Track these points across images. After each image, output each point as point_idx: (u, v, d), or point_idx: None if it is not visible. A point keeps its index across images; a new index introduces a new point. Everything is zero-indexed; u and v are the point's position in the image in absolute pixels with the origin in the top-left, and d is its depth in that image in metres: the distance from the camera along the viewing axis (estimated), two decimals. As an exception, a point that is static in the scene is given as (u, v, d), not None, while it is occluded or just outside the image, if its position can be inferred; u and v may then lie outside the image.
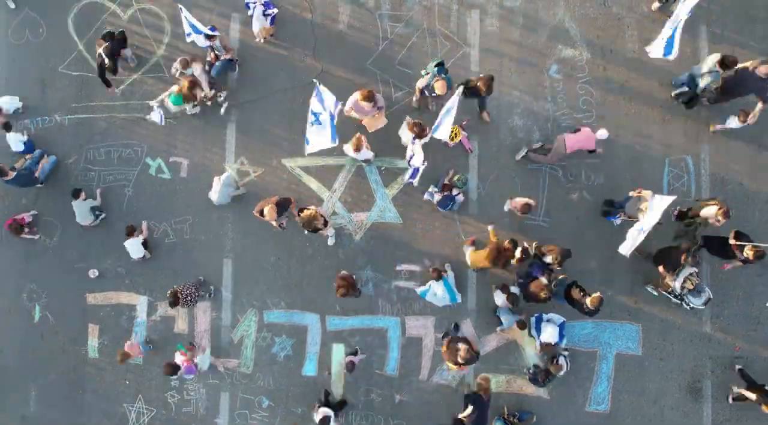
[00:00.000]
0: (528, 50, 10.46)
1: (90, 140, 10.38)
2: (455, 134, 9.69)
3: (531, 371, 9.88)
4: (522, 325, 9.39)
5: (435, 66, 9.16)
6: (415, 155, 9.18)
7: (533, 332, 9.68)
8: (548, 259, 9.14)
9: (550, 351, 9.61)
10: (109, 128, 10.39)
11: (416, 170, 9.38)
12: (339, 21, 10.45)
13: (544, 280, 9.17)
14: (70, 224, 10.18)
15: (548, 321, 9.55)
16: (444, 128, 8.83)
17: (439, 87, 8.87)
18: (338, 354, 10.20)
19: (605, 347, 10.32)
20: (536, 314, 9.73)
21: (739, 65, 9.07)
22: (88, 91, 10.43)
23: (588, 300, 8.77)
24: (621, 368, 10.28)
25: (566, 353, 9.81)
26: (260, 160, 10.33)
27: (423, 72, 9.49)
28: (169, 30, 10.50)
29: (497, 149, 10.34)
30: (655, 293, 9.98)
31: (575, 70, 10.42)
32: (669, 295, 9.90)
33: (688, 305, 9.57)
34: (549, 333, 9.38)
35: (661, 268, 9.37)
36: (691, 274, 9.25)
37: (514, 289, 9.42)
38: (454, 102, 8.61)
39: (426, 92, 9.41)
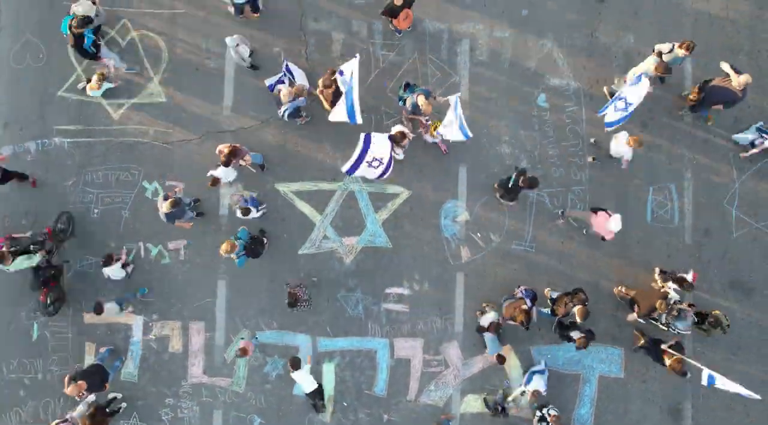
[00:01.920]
0: (516, 80, 10.72)
1: (88, 162, 10.64)
2: (435, 127, 9.87)
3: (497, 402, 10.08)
4: (501, 360, 9.69)
5: (404, 91, 9.52)
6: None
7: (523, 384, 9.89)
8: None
9: (537, 400, 9.66)
10: (107, 151, 10.64)
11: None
12: (332, 50, 10.70)
13: (527, 304, 9.40)
14: (67, 244, 10.47)
15: (536, 372, 9.85)
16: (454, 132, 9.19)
17: (422, 102, 9.11)
18: (329, 374, 10.48)
19: (588, 370, 10.59)
20: (529, 372, 10.01)
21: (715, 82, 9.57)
22: (87, 115, 10.68)
23: (576, 311, 9.12)
24: (604, 390, 10.55)
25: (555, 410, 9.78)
26: (255, 184, 10.58)
27: (400, 103, 9.75)
28: (166, 57, 10.74)
29: (486, 176, 10.60)
30: (642, 321, 10.19)
31: (562, 100, 10.67)
32: (655, 322, 10.15)
33: (674, 329, 9.81)
34: (536, 382, 9.65)
35: (635, 313, 9.79)
36: (675, 302, 9.54)
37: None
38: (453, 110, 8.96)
39: (415, 113, 9.64)
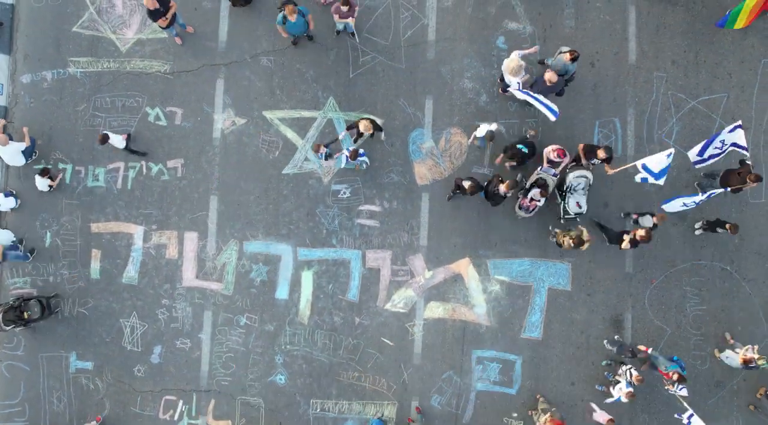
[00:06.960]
0: (478, 23, 12.04)
1: (98, 90, 12.01)
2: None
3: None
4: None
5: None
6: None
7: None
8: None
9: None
10: (114, 80, 12.01)
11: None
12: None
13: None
14: (77, 164, 11.85)
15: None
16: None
17: (363, 126, 10.56)
18: (308, 280, 11.78)
19: (539, 282, 11.86)
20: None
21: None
22: (98, 48, 12.06)
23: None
24: (553, 301, 11.80)
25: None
26: (244, 111, 11.95)
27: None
28: None
29: (449, 108, 11.92)
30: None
31: (519, 42, 11.98)
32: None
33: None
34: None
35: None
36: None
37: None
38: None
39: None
